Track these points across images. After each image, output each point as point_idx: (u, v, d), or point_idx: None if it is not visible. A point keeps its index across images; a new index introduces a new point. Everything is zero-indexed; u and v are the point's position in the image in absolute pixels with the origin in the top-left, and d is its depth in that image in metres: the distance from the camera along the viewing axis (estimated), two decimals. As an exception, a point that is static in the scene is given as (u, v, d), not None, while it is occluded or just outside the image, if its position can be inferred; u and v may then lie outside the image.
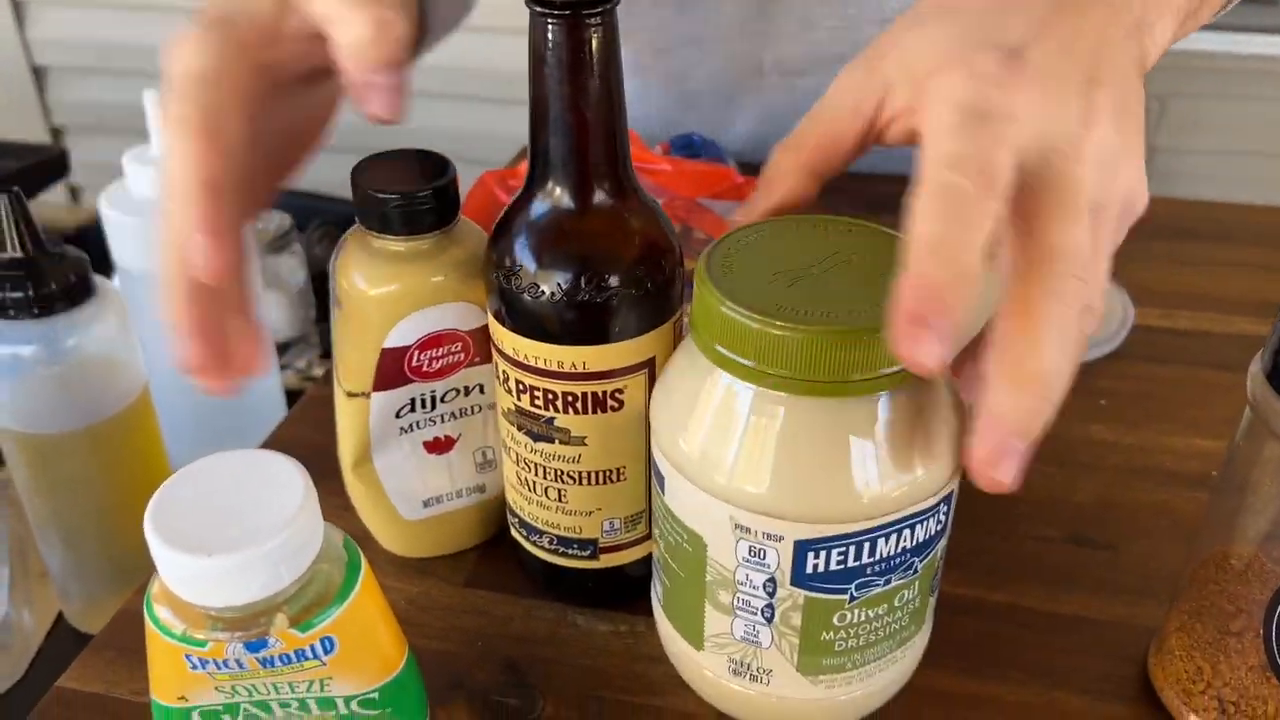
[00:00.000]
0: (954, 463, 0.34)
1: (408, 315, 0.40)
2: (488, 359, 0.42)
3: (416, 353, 0.41)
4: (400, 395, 0.42)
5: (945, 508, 0.35)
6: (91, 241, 0.62)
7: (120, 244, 0.61)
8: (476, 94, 1.60)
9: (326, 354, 0.82)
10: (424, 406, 0.43)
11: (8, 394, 0.50)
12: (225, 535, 0.29)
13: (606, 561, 0.43)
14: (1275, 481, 0.35)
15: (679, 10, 0.77)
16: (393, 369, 0.41)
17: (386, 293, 0.40)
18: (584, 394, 0.38)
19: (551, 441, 0.40)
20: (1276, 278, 0.68)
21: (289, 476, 0.31)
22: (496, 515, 0.47)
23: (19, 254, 0.49)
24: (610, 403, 0.39)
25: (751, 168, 0.76)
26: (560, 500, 0.41)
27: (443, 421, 0.44)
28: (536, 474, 0.41)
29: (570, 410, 0.39)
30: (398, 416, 0.43)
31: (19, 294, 0.49)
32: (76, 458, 0.52)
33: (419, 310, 0.40)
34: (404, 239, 0.39)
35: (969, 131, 0.30)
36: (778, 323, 0.31)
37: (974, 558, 0.47)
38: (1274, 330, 0.34)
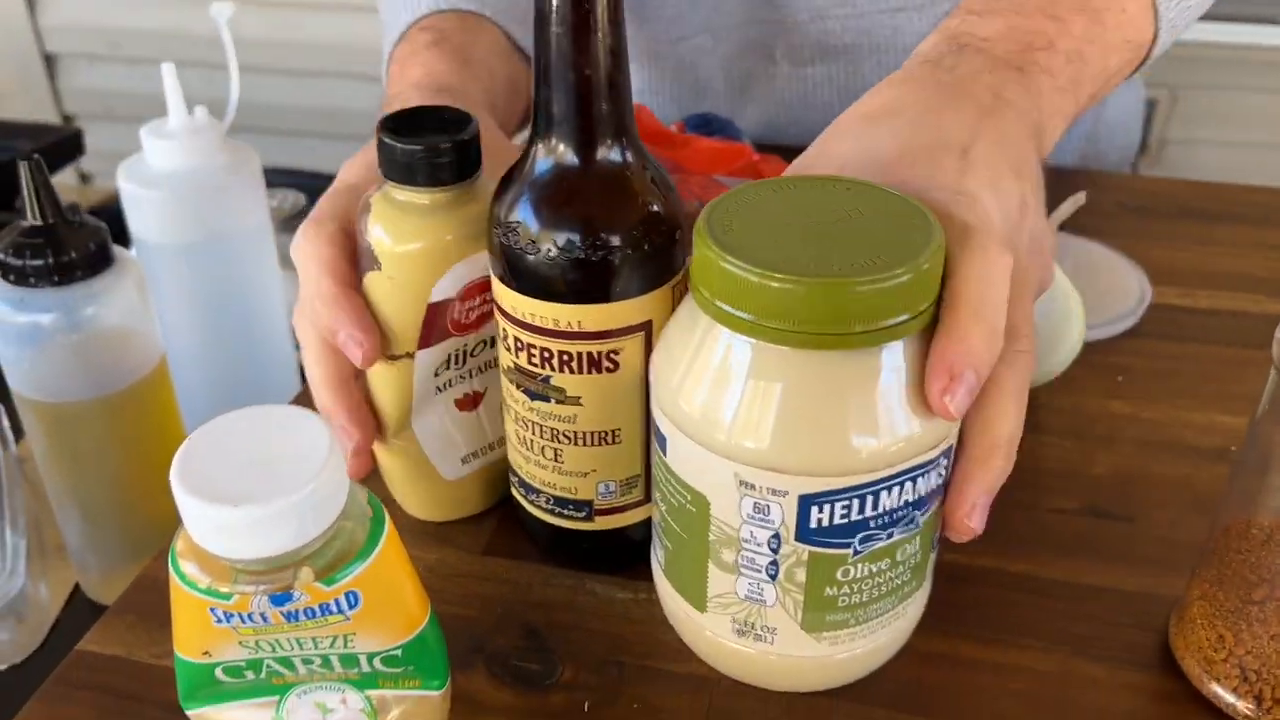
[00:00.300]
0: None
1: (452, 266, 0.40)
2: None
3: (458, 304, 0.41)
4: (440, 352, 0.42)
5: (945, 460, 0.35)
6: (106, 222, 0.62)
7: (138, 217, 0.61)
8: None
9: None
10: (457, 363, 0.43)
11: (27, 362, 0.51)
12: (252, 487, 0.29)
13: (602, 524, 0.43)
14: (1301, 445, 0.35)
15: (692, 0, 0.77)
16: (438, 324, 0.41)
17: (434, 244, 0.40)
18: (580, 353, 0.38)
19: (548, 400, 0.40)
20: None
21: (314, 431, 0.31)
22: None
23: (39, 222, 0.49)
24: (606, 363, 0.39)
25: (767, 147, 0.76)
26: (556, 460, 0.41)
27: (471, 377, 0.44)
28: (534, 432, 0.41)
29: (566, 369, 0.39)
30: (435, 375, 0.43)
31: (39, 262, 0.49)
32: (93, 427, 0.53)
33: (463, 260, 0.40)
34: (437, 190, 0.40)
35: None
36: (777, 275, 0.31)
37: (992, 528, 0.46)
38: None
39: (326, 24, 1.65)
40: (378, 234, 0.40)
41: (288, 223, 0.76)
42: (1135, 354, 0.58)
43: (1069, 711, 0.39)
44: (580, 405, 0.39)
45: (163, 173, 0.60)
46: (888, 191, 0.35)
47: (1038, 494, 0.49)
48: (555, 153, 0.37)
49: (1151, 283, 0.63)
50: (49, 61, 1.83)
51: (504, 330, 0.40)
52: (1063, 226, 0.68)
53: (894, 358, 0.33)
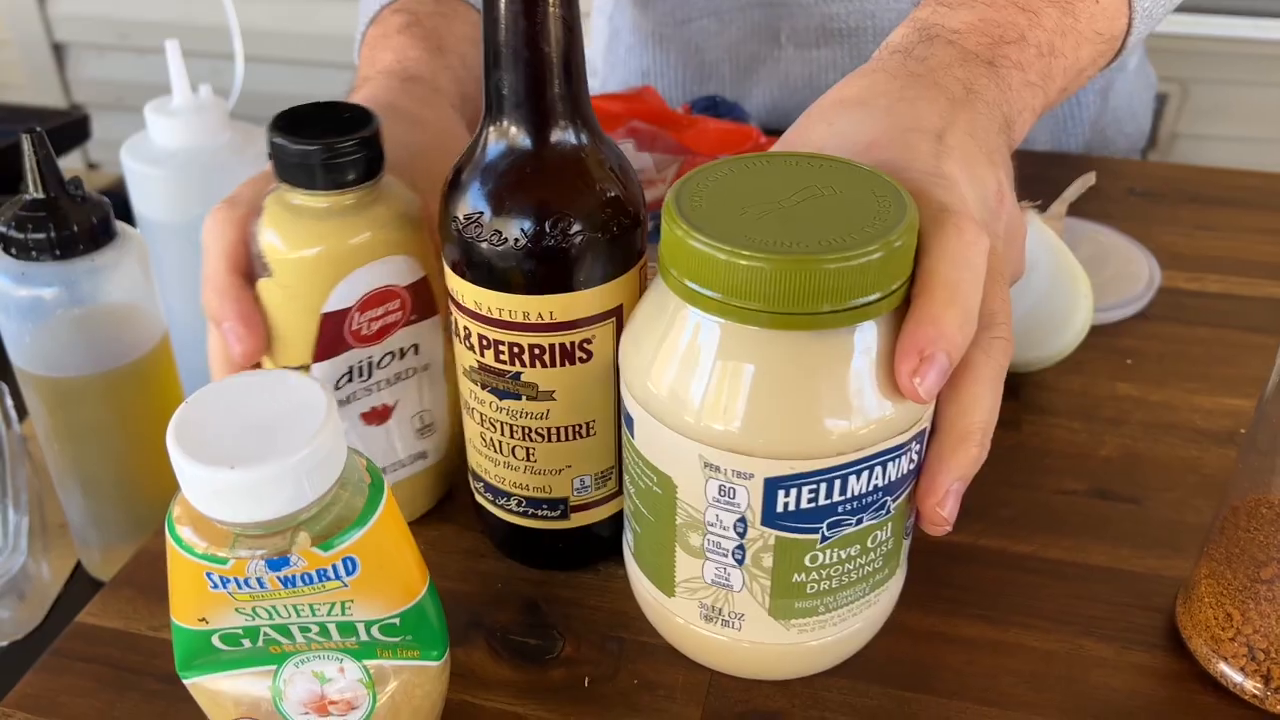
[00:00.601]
0: None
1: (349, 273, 0.38)
2: (423, 316, 0.41)
3: (357, 314, 0.39)
4: (340, 364, 0.40)
5: (918, 446, 0.34)
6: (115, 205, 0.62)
7: (141, 194, 0.61)
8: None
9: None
10: (361, 375, 0.41)
11: (29, 337, 0.50)
12: (249, 450, 0.29)
13: (578, 521, 0.42)
14: (1311, 420, 0.35)
15: None
16: (333, 335, 0.39)
17: (325, 251, 0.38)
18: (552, 346, 0.37)
19: (518, 398, 0.38)
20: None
21: (311, 395, 0.30)
22: (442, 480, 0.46)
23: (41, 195, 0.49)
24: (579, 354, 0.37)
25: (775, 130, 0.75)
26: (529, 459, 0.40)
27: (379, 389, 0.42)
28: (503, 433, 0.39)
29: (538, 364, 0.37)
30: (336, 389, 0.41)
31: (41, 235, 0.49)
32: (95, 403, 0.52)
33: (361, 266, 0.38)
34: (334, 193, 0.38)
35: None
36: (745, 253, 0.30)
37: (996, 509, 0.46)
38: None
39: (336, 15, 1.65)
40: (270, 239, 0.38)
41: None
42: (1144, 337, 0.57)
43: (1074, 691, 0.38)
44: (553, 400, 0.38)
45: (166, 150, 0.59)
46: (860, 168, 0.34)
47: (1044, 476, 0.48)
48: (510, 137, 0.35)
49: (1161, 267, 0.63)
50: (58, 51, 1.83)
51: (464, 329, 0.38)
52: (1073, 212, 0.68)
53: (865, 338, 0.32)
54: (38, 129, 0.49)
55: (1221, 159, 1.61)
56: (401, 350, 0.41)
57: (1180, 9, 1.59)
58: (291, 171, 0.37)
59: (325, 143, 0.37)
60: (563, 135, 0.35)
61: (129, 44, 1.78)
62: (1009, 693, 0.38)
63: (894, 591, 0.38)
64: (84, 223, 0.49)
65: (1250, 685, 0.38)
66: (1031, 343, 0.51)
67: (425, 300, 0.41)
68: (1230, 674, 0.38)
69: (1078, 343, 0.52)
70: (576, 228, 0.35)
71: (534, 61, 0.34)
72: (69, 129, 0.93)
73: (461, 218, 0.36)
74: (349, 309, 0.39)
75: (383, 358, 0.41)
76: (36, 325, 0.50)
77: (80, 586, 0.58)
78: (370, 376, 0.41)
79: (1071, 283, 0.51)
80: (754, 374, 0.32)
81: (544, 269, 0.36)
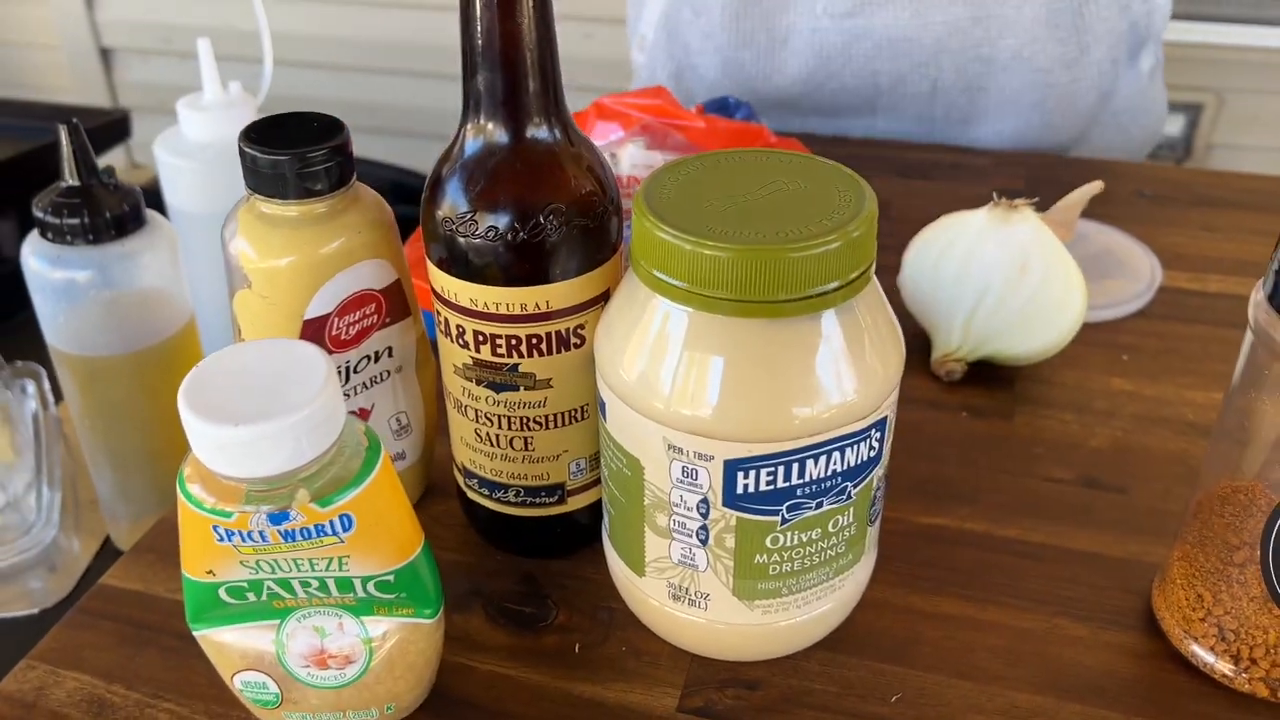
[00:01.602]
0: (887, 388, 0.35)
1: (328, 280, 0.39)
2: (397, 318, 0.42)
3: (336, 320, 0.40)
4: None
5: (878, 433, 0.35)
6: (148, 199, 0.64)
7: (173, 186, 0.63)
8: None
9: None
10: (341, 380, 0.41)
11: (63, 317, 0.53)
12: (252, 409, 0.31)
13: (574, 504, 0.43)
14: (1274, 407, 0.36)
15: None
16: (315, 341, 0.40)
17: (301, 259, 0.39)
18: (548, 334, 0.38)
19: (516, 389, 0.39)
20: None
21: (313, 361, 0.32)
22: (422, 478, 0.47)
23: (76, 183, 0.52)
24: (573, 339, 0.39)
25: (782, 133, 0.77)
26: (527, 449, 0.41)
27: (356, 394, 0.42)
28: (501, 426, 0.41)
29: (535, 353, 0.39)
30: None
31: (75, 220, 0.51)
32: (124, 381, 0.55)
33: (340, 272, 0.39)
34: (307, 202, 0.38)
35: None
36: (709, 243, 0.31)
37: (983, 495, 0.47)
38: (1275, 255, 0.34)
39: (369, 20, 1.69)
40: (245, 250, 0.39)
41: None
42: (1142, 334, 0.58)
43: (1048, 667, 0.40)
44: (550, 387, 0.40)
45: (197, 144, 0.62)
46: (824, 163, 0.36)
47: (1034, 463, 0.49)
48: (493, 135, 0.37)
49: (1164, 267, 0.63)
50: (105, 55, 1.88)
51: (458, 327, 0.39)
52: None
53: (827, 326, 0.33)
54: (74, 120, 0.52)
55: (1258, 167, 1.61)
56: (376, 353, 0.42)
57: (1215, 19, 1.59)
58: (263, 181, 0.38)
59: (296, 152, 0.37)
60: (542, 131, 0.37)
61: (173, 49, 1.82)
62: (984, 667, 0.40)
63: (860, 577, 0.40)
64: (116, 209, 0.52)
65: (1220, 665, 0.39)
66: (1025, 336, 0.53)
67: (399, 303, 0.42)
68: (1201, 654, 0.39)
69: (1070, 337, 0.53)
70: (569, 218, 0.37)
71: (514, 61, 0.36)
72: (111, 127, 0.97)
73: (453, 217, 0.37)
74: (329, 314, 0.40)
75: (360, 361, 0.42)
76: (70, 306, 0.53)
77: (108, 560, 0.61)
78: (348, 381, 0.42)
79: (1065, 279, 0.52)
80: (719, 360, 0.33)
81: (539, 261, 0.37)
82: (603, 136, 0.68)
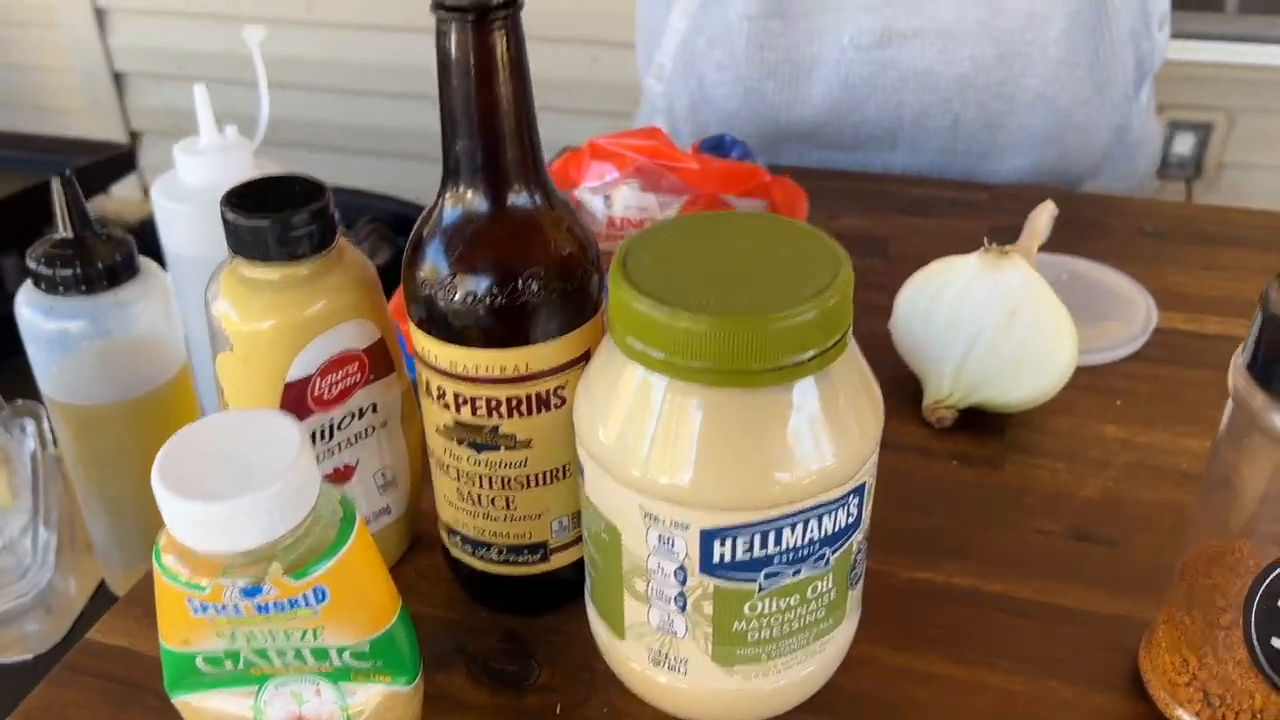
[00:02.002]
0: (865, 453, 0.34)
1: (309, 342, 0.39)
2: (380, 375, 0.42)
3: (318, 381, 0.40)
4: (303, 430, 0.40)
5: (856, 500, 0.35)
6: (154, 232, 0.65)
7: (169, 230, 0.64)
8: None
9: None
10: (324, 438, 0.42)
11: (56, 366, 0.54)
12: (225, 484, 0.31)
13: (556, 562, 0.43)
14: (1256, 474, 0.35)
15: None
16: (296, 402, 0.40)
17: (283, 323, 0.39)
18: (528, 396, 0.39)
19: (497, 449, 0.40)
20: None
21: (286, 433, 0.32)
22: (407, 532, 0.47)
23: (69, 234, 0.52)
24: (554, 400, 0.39)
25: (780, 167, 0.77)
26: (509, 508, 0.41)
27: (340, 451, 0.43)
28: (482, 486, 0.41)
29: (515, 414, 0.39)
30: None
31: (68, 271, 0.52)
32: (118, 429, 0.55)
33: (321, 334, 0.40)
34: (292, 264, 0.39)
35: None
36: (685, 314, 0.31)
37: (972, 549, 0.47)
38: (1254, 322, 0.34)
39: (376, 45, 1.70)
40: (228, 312, 0.39)
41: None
42: (1137, 378, 0.58)
43: (1033, 730, 0.39)
44: (530, 448, 0.40)
45: (194, 188, 0.63)
46: (800, 226, 0.36)
47: (1024, 514, 0.49)
48: (471, 201, 0.37)
49: (1161, 307, 0.63)
50: (118, 80, 1.90)
51: (439, 388, 0.39)
52: (1076, 251, 0.68)
53: (803, 394, 0.33)
54: (67, 172, 0.52)
55: (1269, 186, 1.60)
56: (361, 410, 0.43)
57: (1225, 38, 1.59)
58: (246, 245, 0.38)
59: (277, 217, 0.38)
60: (521, 197, 0.37)
61: (184, 74, 1.84)
62: (968, 731, 0.39)
63: (842, 640, 0.39)
64: (109, 259, 0.52)
65: (1207, 730, 0.38)
66: (1015, 383, 0.52)
67: (383, 360, 0.42)
68: (1186, 719, 0.39)
69: (1062, 384, 0.52)
70: (549, 282, 0.37)
71: (492, 131, 0.36)
72: (119, 161, 0.98)
73: (433, 281, 0.38)
74: (310, 376, 0.40)
75: (343, 419, 0.42)
76: (64, 356, 0.53)
77: (103, 604, 0.61)
78: (332, 439, 0.42)
79: (1055, 325, 0.52)
80: (695, 429, 0.33)
81: (518, 324, 0.37)
82: (597, 177, 0.68)
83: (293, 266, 0.39)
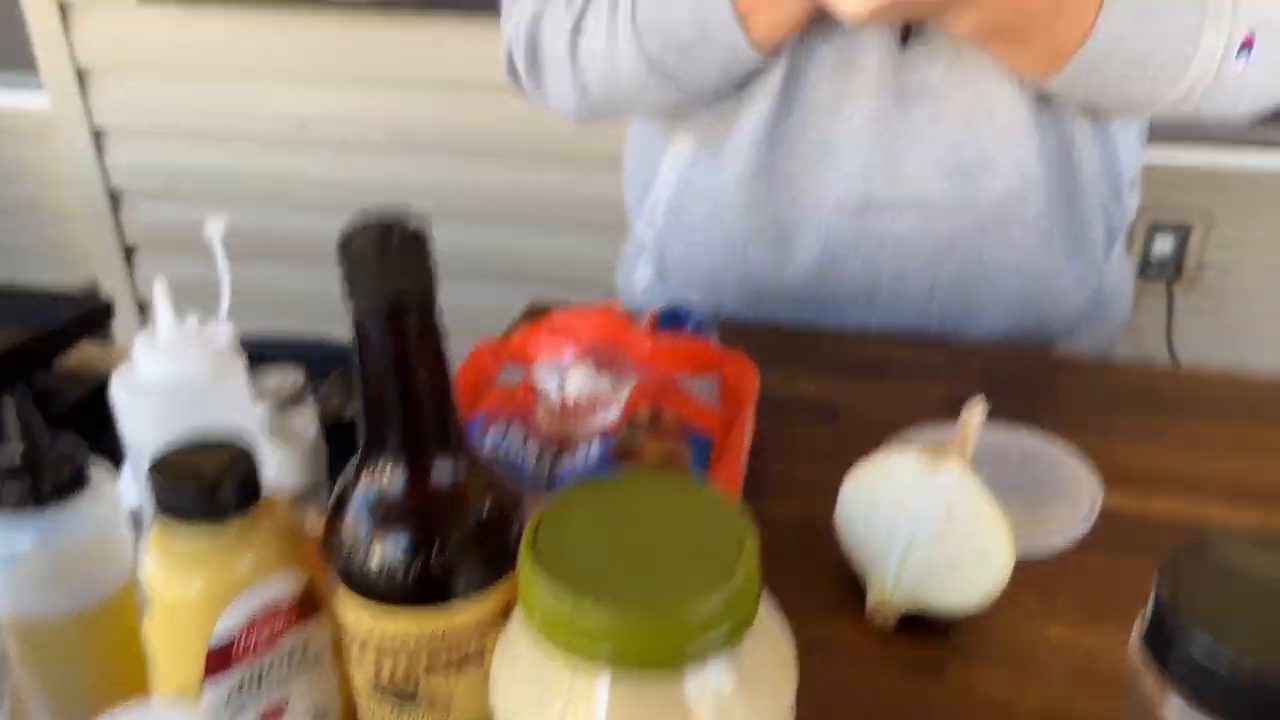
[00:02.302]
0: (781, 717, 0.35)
1: (233, 601, 0.40)
2: (309, 615, 0.43)
3: (243, 638, 0.41)
4: (230, 682, 0.42)
5: None
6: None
7: (128, 423, 0.65)
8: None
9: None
10: (252, 686, 0.43)
11: (2, 580, 0.54)
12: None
13: None
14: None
15: (767, 147, 0.82)
16: (220, 660, 0.41)
17: (208, 588, 0.40)
18: (449, 655, 0.39)
19: (417, 706, 0.40)
20: (1273, 459, 0.67)
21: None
22: None
23: (19, 452, 0.53)
24: (474, 660, 0.39)
25: (739, 334, 0.78)
26: None
27: (270, 692, 0.43)
28: None
29: (434, 673, 0.39)
30: (226, 704, 0.42)
31: (17, 484, 0.52)
32: (64, 642, 0.55)
33: (248, 589, 0.41)
34: (216, 526, 0.40)
35: None
36: (588, 604, 0.32)
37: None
38: (1151, 597, 0.34)
39: (367, 163, 1.73)
40: (154, 574, 0.41)
41: (286, 401, 0.80)
42: (1080, 569, 0.58)
43: None
44: (450, 707, 0.40)
45: (154, 382, 0.64)
46: (705, 493, 0.36)
47: (961, 730, 0.49)
48: (388, 471, 0.38)
49: (1108, 485, 0.63)
50: (114, 197, 1.94)
51: (361, 644, 0.40)
52: (1029, 420, 0.69)
53: (713, 674, 0.33)
54: (22, 385, 0.54)
55: (1249, 289, 1.62)
56: (290, 653, 0.43)
57: (1205, 141, 1.62)
58: (170, 509, 0.40)
59: (199, 481, 0.39)
60: (438, 464, 0.38)
61: (178, 190, 1.88)
62: None
63: None
64: (58, 476, 0.53)
65: None
66: (953, 589, 0.53)
67: (310, 603, 0.43)
68: None
69: (999, 589, 0.53)
70: (463, 548, 0.38)
71: (409, 403, 0.37)
72: (94, 315, 1.00)
73: (352, 543, 0.39)
74: (236, 631, 0.41)
75: (272, 664, 0.43)
76: (10, 569, 0.54)
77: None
78: (260, 686, 0.43)
79: (991, 530, 0.52)
80: (603, 713, 0.33)
81: (436, 586, 0.38)
82: (553, 354, 0.69)
83: (217, 528, 0.40)
